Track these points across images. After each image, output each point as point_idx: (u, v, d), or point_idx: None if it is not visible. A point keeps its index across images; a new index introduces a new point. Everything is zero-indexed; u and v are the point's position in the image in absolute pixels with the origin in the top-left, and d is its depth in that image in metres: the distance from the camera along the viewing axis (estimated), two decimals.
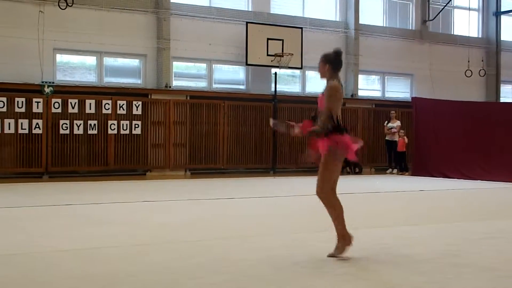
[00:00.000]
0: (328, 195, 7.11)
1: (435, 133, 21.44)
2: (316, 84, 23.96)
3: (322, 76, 7.41)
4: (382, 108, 24.16)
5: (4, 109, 18.02)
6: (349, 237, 7.05)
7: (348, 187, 16.70)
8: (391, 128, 22.56)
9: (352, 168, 22.62)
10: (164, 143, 20.31)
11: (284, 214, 10.67)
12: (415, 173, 21.50)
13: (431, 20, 26.07)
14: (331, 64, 7.38)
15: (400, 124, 22.68)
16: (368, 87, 25.62)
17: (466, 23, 27.14)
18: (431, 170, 21.00)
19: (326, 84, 7.33)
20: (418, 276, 6.11)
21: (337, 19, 24.38)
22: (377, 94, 25.64)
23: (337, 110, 7.14)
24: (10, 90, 18.24)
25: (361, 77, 24.75)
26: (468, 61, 24.69)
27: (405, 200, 13.84)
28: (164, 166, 20.38)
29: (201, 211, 11.20)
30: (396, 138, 22.47)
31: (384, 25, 25.63)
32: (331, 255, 6.98)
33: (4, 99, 18.01)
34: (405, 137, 22.40)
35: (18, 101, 18.16)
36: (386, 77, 25.69)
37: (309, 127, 7.13)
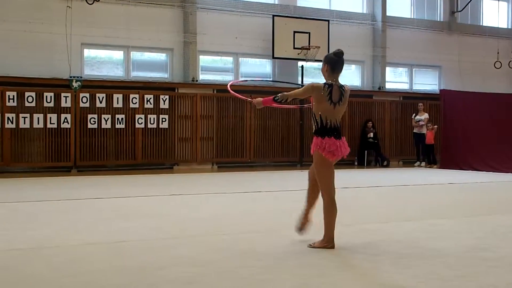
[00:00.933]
0: (328, 197, 7.13)
1: (463, 125, 21.26)
2: (342, 77, 23.84)
3: (323, 76, 7.36)
4: (410, 100, 24.03)
5: (33, 104, 18.18)
6: (333, 241, 7.15)
7: (376, 180, 16.65)
8: (419, 120, 22.39)
9: (380, 161, 22.55)
10: (191, 137, 20.36)
11: None
12: (443, 166, 21.33)
13: (459, 11, 25.84)
14: (330, 64, 7.28)
15: (428, 116, 22.51)
16: (396, 79, 25.49)
17: (495, 14, 26.92)
18: (459, 162, 20.81)
19: None
20: (447, 270, 6.06)
21: (364, 11, 24.26)
22: (404, 86, 25.49)
23: (324, 110, 7.13)
24: (39, 85, 18.42)
25: (388, 70, 24.63)
26: (498, 53, 24.51)
27: (433, 193, 13.73)
28: (191, 160, 20.44)
29: (228, 205, 11.20)
30: (424, 130, 22.30)
31: (412, 17, 25.46)
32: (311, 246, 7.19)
33: (33, 94, 18.17)
34: (435, 126, 22.13)
35: (46, 96, 18.31)
36: (414, 69, 25.53)
37: (270, 102, 7.45)
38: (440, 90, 23.44)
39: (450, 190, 14.45)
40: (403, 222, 9.12)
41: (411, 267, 6.19)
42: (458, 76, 25.61)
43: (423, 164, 22.43)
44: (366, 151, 22.75)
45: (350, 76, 24.19)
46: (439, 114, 22.67)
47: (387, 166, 22.37)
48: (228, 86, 8.94)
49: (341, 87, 7.25)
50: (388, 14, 24.25)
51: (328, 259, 6.53)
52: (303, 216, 7.53)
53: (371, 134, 22.65)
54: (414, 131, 22.64)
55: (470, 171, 19.90)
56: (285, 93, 7.34)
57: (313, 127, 7.22)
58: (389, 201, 12.10)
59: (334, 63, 7.27)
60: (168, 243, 7.35)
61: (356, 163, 22.83)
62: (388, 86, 24.48)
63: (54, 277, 5.74)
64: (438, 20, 25.99)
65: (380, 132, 23.23)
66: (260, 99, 7.59)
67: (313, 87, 7.17)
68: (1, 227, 8.48)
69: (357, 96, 23.29)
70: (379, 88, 23.94)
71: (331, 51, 21.40)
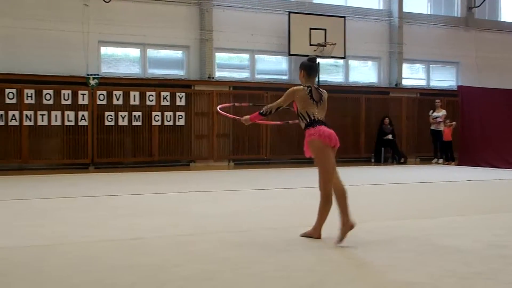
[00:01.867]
0: (326, 192, 7.31)
1: (481, 122, 21.11)
2: (359, 73, 23.84)
3: (301, 82, 7.63)
4: (427, 97, 23.93)
5: (51, 102, 18.27)
6: (320, 233, 7.38)
7: (393, 177, 16.61)
8: (436, 117, 22.24)
9: (397, 158, 22.47)
10: (207, 134, 20.39)
11: None
12: (461, 163, 21.18)
13: (477, 6, 25.69)
14: (305, 70, 7.61)
15: (445, 113, 22.36)
16: (413, 76, 25.37)
17: None
18: (477, 159, 20.67)
19: None
20: (464, 267, 6.02)
21: (381, 8, 24.18)
22: (421, 83, 25.38)
23: (310, 108, 7.40)
24: (56, 82, 18.51)
25: (405, 66, 24.52)
26: None
27: (451, 190, 13.67)
28: (207, 157, 20.47)
29: (244, 202, 11.20)
30: (442, 127, 22.15)
31: (429, 13, 25.35)
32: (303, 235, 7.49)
33: (51, 91, 18.26)
34: (453, 123, 21.93)
35: (64, 94, 18.40)
36: (430, 65, 25.41)
37: (256, 117, 7.78)
38: (458, 87, 23.28)
39: (468, 187, 14.38)
40: (420, 220, 9.08)
41: (428, 264, 6.15)
42: (476, 72, 25.46)
43: (440, 161, 22.29)
44: (383, 148, 22.67)
45: (367, 73, 24.13)
46: (456, 110, 22.52)
47: (404, 163, 22.29)
48: (218, 108, 9.55)
49: (318, 89, 7.55)
50: (404, 10, 24.13)
51: (344, 256, 6.52)
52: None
53: (390, 136, 22.51)
54: (431, 127, 22.48)
55: (488, 168, 19.76)
56: (269, 105, 7.70)
57: (302, 125, 7.45)
58: (406, 198, 12.06)
59: (309, 68, 7.62)
60: (184, 240, 7.35)
61: (373, 160, 22.76)
62: (405, 82, 24.37)
63: (69, 273, 5.76)
64: (455, 15, 25.85)
65: (397, 129, 23.12)
66: (247, 116, 7.89)
67: (294, 90, 7.45)
68: (18, 223, 8.53)
69: (373, 92, 23.25)
70: (396, 85, 23.85)
71: (347, 47, 21.64)
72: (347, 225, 7.09)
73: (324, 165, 7.32)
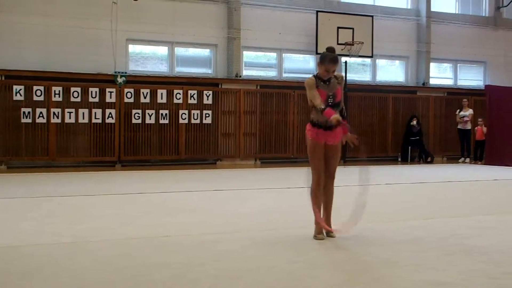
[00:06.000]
0: (313, 189, 7.50)
1: (509, 121, 20.95)
2: (386, 72, 23.77)
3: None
4: (454, 96, 23.80)
5: (79, 99, 18.39)
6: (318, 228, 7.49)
7: (420, 176, 16.54)
8: (463, 116, 22.12)
9: (424, 157, 22.38)
10: (234, 132, 20.42)
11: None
12: (488, 162, 21.05)
13: (505, 6, 25.50)
14: (320, 58, 7.55)
15: (472, 112, 22.24)
16: (440, 75, 25.25)
17: None
18: (505, 159, 20.52)
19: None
20: (494, 267, 6.00)
21: (409, 7, 24.09)
22: (449, 82, 25.26)
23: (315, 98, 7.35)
24: (84, 80, 18.63)
25: (432, 65, 24.41)
26: None
27: (478, 190, 13.60)
28: (234, 156, 20.50)
29: (272, 200, 11.21)
30: (469, 126, 22.05)
31: (457, 12, 25.21)
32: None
33: (79, 89, 18.38)
34: (484, 126, 21.78)
35: (92, 91, 18.52)
36: (458, 65, 25.27)
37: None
38: (485, 86, 23.12)
39: (495, 187, 14.29)
40: (448, 219, 9.05)
41: (456, 264, 6.14)
42: (504, 72, 25.28)
43: (467, 160, 22.17)
44: (410, 147, 22.59)
45: (394, 72, 24.04)
46: (484, 110, 22.36)
47: (431, 162, 22.19)
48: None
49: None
50: (432, 9, 24.03)
51: (372, 255, 6.51)
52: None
53: (417, 128, 22.40)
54: (459, 127, 22.36)
55: None
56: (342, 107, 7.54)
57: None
58: (433, 197, 12.00)
59: (322, 57, 7.50)
60: (212, 238, 7.39)
61: (399, 159, 22.69)
62: (432, 81, 24.27)
63: (98, 270, 5.82)
64: (483, 15, 25.68)
65: (424, 128, 23.03)
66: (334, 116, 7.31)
67: (307, 83, 7.44)
68: (47, 221, 8.62)
69: (401, 91, 23.17)
70: (423, 84, 23.75)
71: (375, 46, 21.58)
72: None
73: (312, 163, 7.52)
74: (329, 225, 7.53)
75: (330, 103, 7.29)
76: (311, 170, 7.51)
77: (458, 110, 22.46)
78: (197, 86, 19.93)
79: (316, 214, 7.41)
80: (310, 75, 7.57)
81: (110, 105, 18.77)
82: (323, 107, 7.17)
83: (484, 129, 21.75)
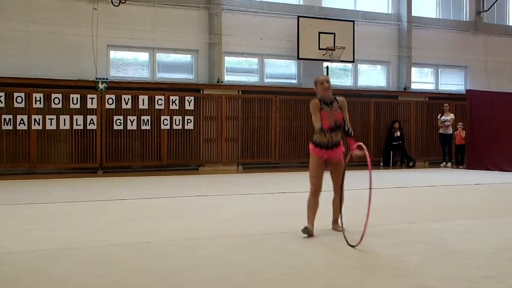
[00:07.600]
0: (310, 194, 8.22)
1: (490, 126, 21.09)
2: (368, 77, 23.84)
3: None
4: (436, 101, 23.91)
5: (60, 106, 18.32)
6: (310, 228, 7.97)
7: (402, 180, 16.59)
8: (445, 121, 22.25)
9: (406, 161, 22.45)
10: (216, 138, 20.41)
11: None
12: (469, 167, 21.14)
13: (485, 11, 25.67)
14: (314, 84, 8.30)
15: (453, 117, 22.37)
16: (421, 79, 25.35)
17: None
18: (486, 163, 20.65)
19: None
20: (475, 271, 6.02)
21: (390, 12, 24.17)
22: (430, 87, 25.36)
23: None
24: (65, 86, 18.56)
25: (414, 70, 24.51)
26: None
27: (460, 194, 13.66)
28: (216, 161, 20.49)
29: (254, 206, 11.20)
30: (450, 131, 22.19)
31: (438, 17, 25.33)
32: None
33: (60, 95, 18.31)
34: (463, 131, 21.92)
35: (73, 98, 18.45)
36: (439, 69, 25.39)
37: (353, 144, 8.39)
38: (466, 90, 23.24)
39: (477, 191, 14.36)
40: (429, 223, 9.08)
41: (438, 268, 6.16)
42: (485, 76, 25.41)
43: (449, 164, 22.29)
44: (391, 152, 22.66)
45: (376, 77, 24.12)
46: (465, 114, 22.48)
47: (412, 166, 22.27)
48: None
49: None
50: (413, 14, 24.14)
51: (354, 260, 6.53)
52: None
53: (398, 133, 22.48)
54: (440, 131, 22.50)
55: (497, 172, 19.74)
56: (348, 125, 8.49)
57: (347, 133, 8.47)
58: (415, 202, 12.05)
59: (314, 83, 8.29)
60: (194, 244, 7.38)
61: (381, 164, 22.75)
62: (414, 86, 24.36)
63: (79, 277, 5.79)
64: (464, 20, 25.83)
65: (405, 133, 23.12)
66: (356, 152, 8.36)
67: (311, 106, 8.25)
68: (28, 227, 8.56)
69: (382, 96, 23.24)
70: (405, 89, 23.84)
71: (356, 51, 21.65)
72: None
73: (310, 172, 8.26)
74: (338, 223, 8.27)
75: (333, 126, 8.12)
76: (309, 181, 8.23)
77: (440, 115, 22.58)
78: (178, 91, 19.89)
79: (308, 218, 8.05)
80: (315, 99, 8.19)
81: (92, 112, 18.71)
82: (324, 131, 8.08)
83: (463, 133, 21.89)
